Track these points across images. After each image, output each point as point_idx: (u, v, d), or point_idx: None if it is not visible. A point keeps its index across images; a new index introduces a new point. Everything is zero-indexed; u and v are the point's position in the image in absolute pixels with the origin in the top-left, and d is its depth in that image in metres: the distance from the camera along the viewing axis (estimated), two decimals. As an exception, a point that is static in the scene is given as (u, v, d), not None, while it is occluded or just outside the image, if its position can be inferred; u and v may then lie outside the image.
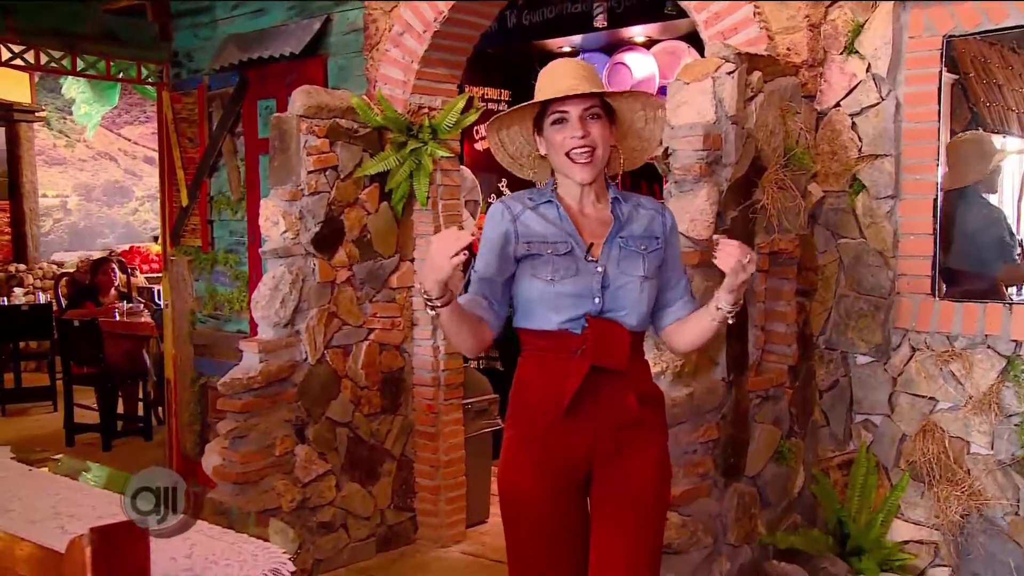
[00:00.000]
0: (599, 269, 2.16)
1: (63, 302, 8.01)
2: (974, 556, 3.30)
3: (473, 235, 2.03)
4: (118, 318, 6.92)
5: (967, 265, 3.43)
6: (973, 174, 3.40)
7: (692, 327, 2.27)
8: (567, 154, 2.15)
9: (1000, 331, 3.20)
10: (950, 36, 3.29)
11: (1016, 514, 3.22)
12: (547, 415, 2.16)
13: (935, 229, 3.35)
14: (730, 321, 2.18)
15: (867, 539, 3.36)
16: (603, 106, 2.19)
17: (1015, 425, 3.19)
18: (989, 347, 3.24)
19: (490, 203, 5.76)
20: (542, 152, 2.25)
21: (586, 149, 2.14)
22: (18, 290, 10.45)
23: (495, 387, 4.75)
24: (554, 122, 2.17)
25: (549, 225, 2.19)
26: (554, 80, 2.18)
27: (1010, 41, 3.28)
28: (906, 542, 3.42)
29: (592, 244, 2.18)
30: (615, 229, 2.20)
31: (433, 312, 2.06)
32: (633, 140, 2.32)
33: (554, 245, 2.17)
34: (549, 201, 2.23)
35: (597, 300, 2.15)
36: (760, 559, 3.26)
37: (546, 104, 2.18)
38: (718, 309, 2.15)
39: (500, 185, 5.95)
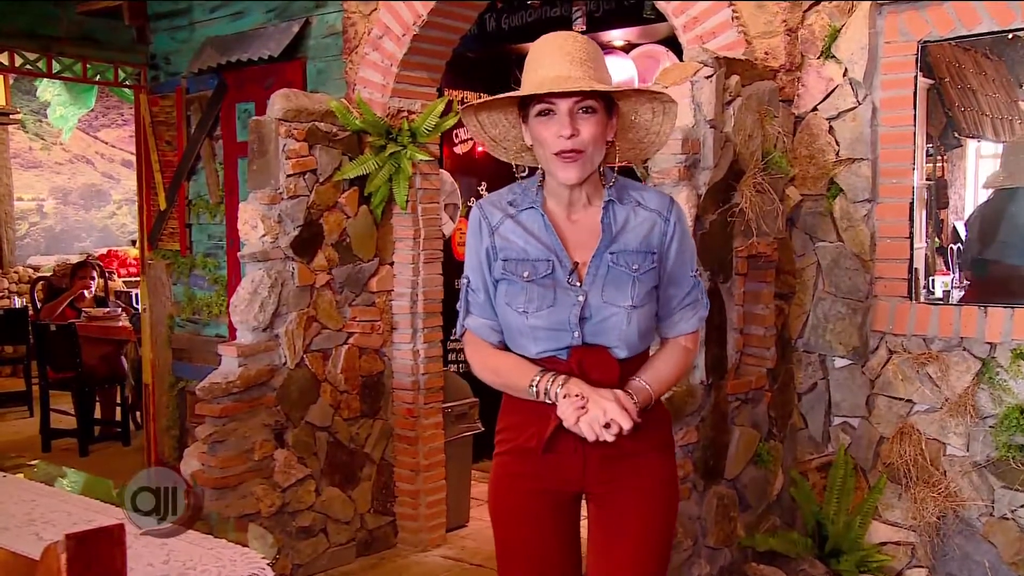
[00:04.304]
0: (579, 298, 1.89)
1: (39, 306, 7.94)
2: (950, 557, 3.33)
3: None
4: (82, 317, 6.84)
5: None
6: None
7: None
8: (552, 152, 1.86)
9: (975, 334, 3.23)
10: (925, 41, 3.32)
11: (991, 515, 3.25)
12: (531, 441, 1.96)
13: (911, 233, 3.38)
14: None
15: (845, 541, 3.38)
16: (600, 97, 1.86)
17: (990, 427, 3.22)
18: (965, 349, 3.27)
19: (469, 207, 5.79)
20: (528, 142, 1.95)
21: (573, 151, 1.84)
22: (-7, 294, 10.36)
23: (475, 391, 4.74)
24: (540, 113, 1.86)
25: (530, 238, 1.94)
26: (543, 63, 1.85)
27: (983, 47, 3.32)
28: (883, 543, 3.45)
29: (578, 264, 1.91)
30: (603, 243, 1.91)
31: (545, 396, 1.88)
32: (640, 132, 2.00)
33: (533, 265, 1.91)
34: (532, 207, 1.96)
35: (576, 334, 1.90)
36: (739, 561, 3.27)
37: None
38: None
39: (480, 188, 5.95)
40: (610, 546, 2.02)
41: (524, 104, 1.91)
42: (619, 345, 1.92)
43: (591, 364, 1.92)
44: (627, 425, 1.81)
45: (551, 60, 1.85)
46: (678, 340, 2.06)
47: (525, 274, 1.92)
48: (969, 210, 3.56)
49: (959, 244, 3.49)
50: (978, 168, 3.54)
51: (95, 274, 7.53)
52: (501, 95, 1.92)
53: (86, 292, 7.23)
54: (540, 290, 1.91)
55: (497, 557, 2.12)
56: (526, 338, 1.94)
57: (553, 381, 1.88)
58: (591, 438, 1.82)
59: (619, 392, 1.86)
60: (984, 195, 3.51)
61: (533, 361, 1.96)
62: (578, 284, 1.90)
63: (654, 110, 1.97)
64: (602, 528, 2.03)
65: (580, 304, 1.89)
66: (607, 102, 1.90)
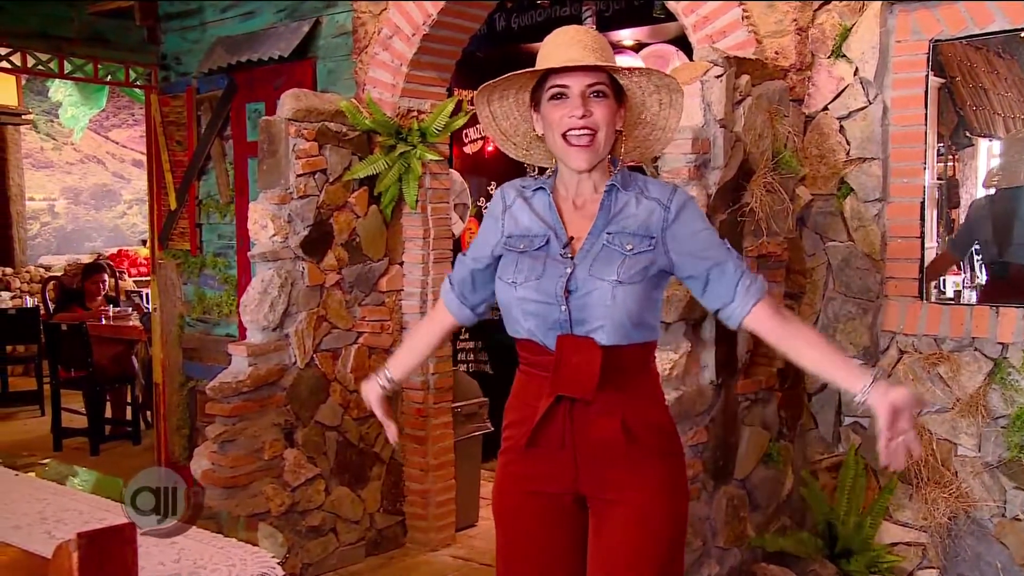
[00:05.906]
0: (567, 270, 1.88)
1: (50, 306, 7.98)
2: (961, 558, 3.31)
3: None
4: (104, 322, 6.89)
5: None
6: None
7: (812, 360, 1.87)
8: (564, 135, 1.89)
9: (987, 334, 3.21)
10: (936, 40, 3.31)
11: (1003, 516, 3.23)
12: (523, 439, 1.95)
13: (922, 232, 3.37)
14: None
15: (856, 541, 3.37)
16: (610, 84, 1.90)
17: (1001, 427, 3.21)
18: (976, 350, 3.25)
19: (479, 206, 5.80)
20: (538, 131, 1.98)
21: (585, 132, 1.86)
22: (5, 294, 10.39)
23: (484, 391, 4.75)
24: (552, 97, 1.90)
25: (535, 217, 1.98)
26: (557, 49, 1.89)
27: (995, 46, 3.30)
28: (894, 544, 3.43)
29: (573, 239, 1.93)
30: (600, 223, 1.92)
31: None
32: (646, 128, 2.04)
33: (530, 240, 1.95)
34: (542, 188, 2.00)
35: (563, 308, 1.87)
36: (749, 561, 3.27)
37: (545, 75, 1.91)
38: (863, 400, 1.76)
39: (489, 188, 5.95)
40: (606, 567, 1.94)
41: (537, 92, 1.96)
42: (605, 325, 1.86)
43: (572, 354, 1.87)
44: None
45: (564, 48, 1.89)
46: (777, 321, 1.90)
47: (521, 246, 1.97)
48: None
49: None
50: (989, 167, 3.52)
51: (106, 277, 7.56)
52: (511, 73, 1.94)
53: (99, 296, 7.28)
54: (531, 261, 1.93)
55: (496, 556, 2.11)
56: (517, 311, 1.94)
57: (378, 374, 2.36)
58: None
59: None
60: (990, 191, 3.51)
61: (529, 347, 1.95)
62: (570, 257, 1.91)
63: (661, 101, 2.00)
64: (599, 545, 1.97)
65: (567, 276, 1.88)
66: (617, 91, 1.94)
